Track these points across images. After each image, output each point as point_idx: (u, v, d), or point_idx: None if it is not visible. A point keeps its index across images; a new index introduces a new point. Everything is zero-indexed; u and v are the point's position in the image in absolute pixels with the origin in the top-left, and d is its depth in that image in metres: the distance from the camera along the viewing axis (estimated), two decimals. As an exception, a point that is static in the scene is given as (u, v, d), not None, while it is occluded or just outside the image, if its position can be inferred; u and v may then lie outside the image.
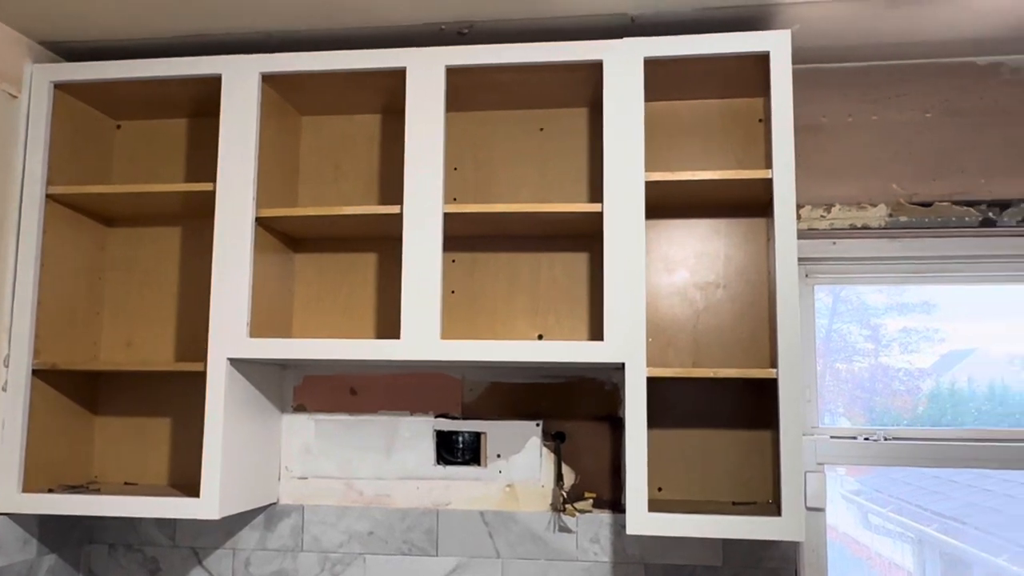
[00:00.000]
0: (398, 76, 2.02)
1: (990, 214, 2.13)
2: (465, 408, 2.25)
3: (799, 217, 2.17)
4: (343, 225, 2.15)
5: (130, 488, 2.19)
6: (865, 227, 2.17)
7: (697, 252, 2.19)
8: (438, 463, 2.25)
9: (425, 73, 1.99)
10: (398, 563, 2.22)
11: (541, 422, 2.22)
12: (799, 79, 2.21)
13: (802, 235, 2.17)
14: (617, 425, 2.18)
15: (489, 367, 2.21)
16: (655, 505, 1.97)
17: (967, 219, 2.14)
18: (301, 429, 2.30)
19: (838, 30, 2.04)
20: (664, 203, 2.13)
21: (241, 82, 2.05)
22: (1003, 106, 2.16)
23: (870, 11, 1.94)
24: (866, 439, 2.19)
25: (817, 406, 2.22)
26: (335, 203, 2.30)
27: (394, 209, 1.99)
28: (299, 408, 2.31)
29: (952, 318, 2.43)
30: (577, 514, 2.16)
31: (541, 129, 2.26)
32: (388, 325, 2.24)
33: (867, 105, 2.21)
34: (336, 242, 2.31)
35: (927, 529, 4.22)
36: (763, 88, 2.02)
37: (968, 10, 1.94)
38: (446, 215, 1.98)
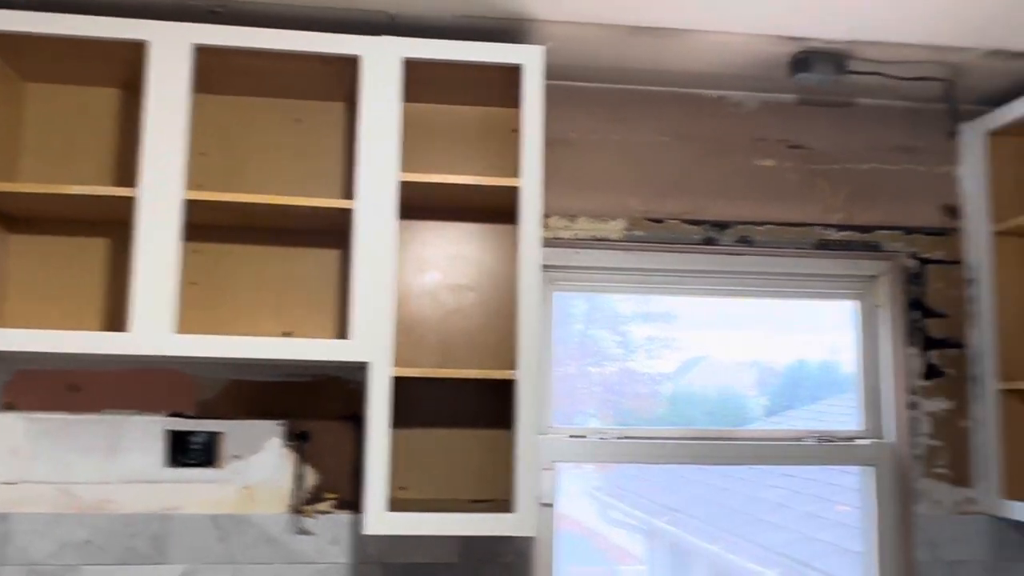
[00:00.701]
0: (140, 49, 1.88)
1: (711, 233, 2.34)
2: (202, 407, 2.13)
3: (546, 226, 2.27)
4: (71, 205, 1.96)
5: None
6: (605, 239, 2.31)
7: (450, 255, 2.22)
8: (169, 465, 2.11)
9: (170, 49, 1.87)
10: (119, 573, 2.06)
11: (284, 422, 2.15)
12: (552, 94, 2.31)
13: (548, 243, 2.27)
14: (363, 425, 2.16)
15: (230, 364, 2.11)
16: (397, 504, 1.98)
17: (693, 236, 2.34)
18: (9, 429, 2.07)
19: (588, 52, 2.16)
20: (420, 204, 2.15)
21: (-51, 37, 1.81)
22: (725, 136, 2.39)
23: (616, 37, 2.07)
24: (601, 438, 2.32)
25: (551, 406, 2.33)
26: (64, 181, 2.10)
27: (129, 192, 1.85)
28: (8, 406, 2.08)
29: (689, 327, 2.65)
30: (317, 516, 2.12)
31: (297, 120, 2.19)
32: (118, 317, 2.08)
33: (612, 125, 2.35)
34: (63, 224, 2.10)
35: (657, 521, 4.57)
36: (517, 99, 2.09)
37: (698, 47, 2.12)
38: (189, 202, 1.87)
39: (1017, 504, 2.20)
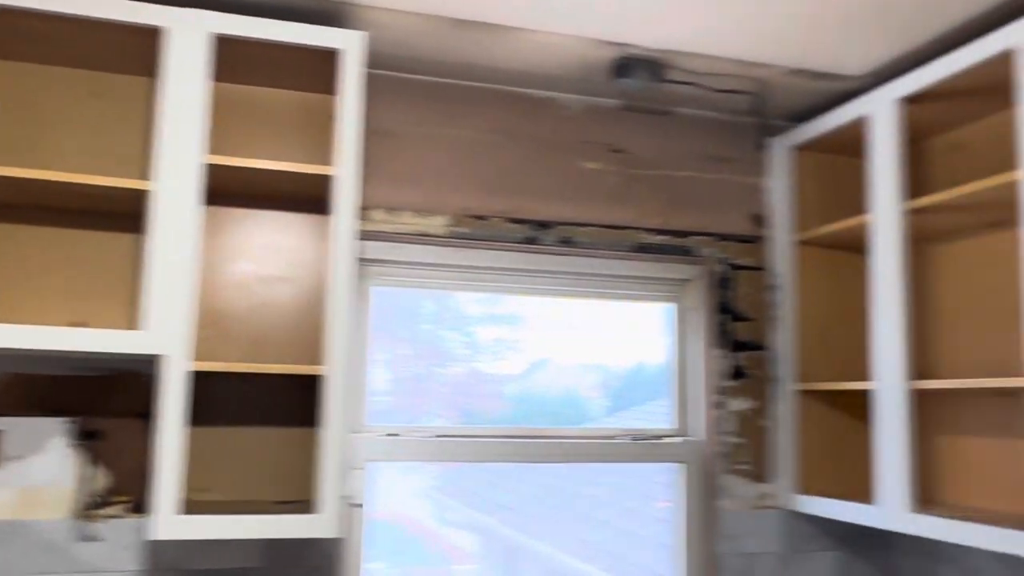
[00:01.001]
0: (-96, 2, 1.68)
1: (534, 233, 2.36)
2: (-25, 402, 1.94)
3: (368, 219, 2.21)
4: None
5: None
6: (428, 234, 2.28)
7: (264, 244, 2.13)
8: (-66, 467, 1.90)
9: (-60, 5, 1.68)
10: None
11: (73, 419, 1.98)
12: (376, 84, 2.26)
13: (370, 237, 2.22)
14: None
15: (11, 355, 1.93)
16: (195, 507, 1.87)
17: (516, 235, 2.34)
18: None
19: (412, 42, 2.12)
20: (232, 191, 2.04)
21: None
22: (551, 137, 2.41)
23: (439, 29, 2.04)
24: (421, 437, 2.28)
25: (365, 403, 2.26)
26: None
27: None
28: None
29: (535, 330, 2.66)
30: (106, 520, 1.97)
31: (94, 93, 2.03)
32: None
33: (438, 119, 2.32)
34: None
35: (491, 520, 4.59)
36: (336, 86, 2.03)
37: (523, 45, 2.12)
38: (-38, 176, 1.70)
39: (809, 499, 2.34)
